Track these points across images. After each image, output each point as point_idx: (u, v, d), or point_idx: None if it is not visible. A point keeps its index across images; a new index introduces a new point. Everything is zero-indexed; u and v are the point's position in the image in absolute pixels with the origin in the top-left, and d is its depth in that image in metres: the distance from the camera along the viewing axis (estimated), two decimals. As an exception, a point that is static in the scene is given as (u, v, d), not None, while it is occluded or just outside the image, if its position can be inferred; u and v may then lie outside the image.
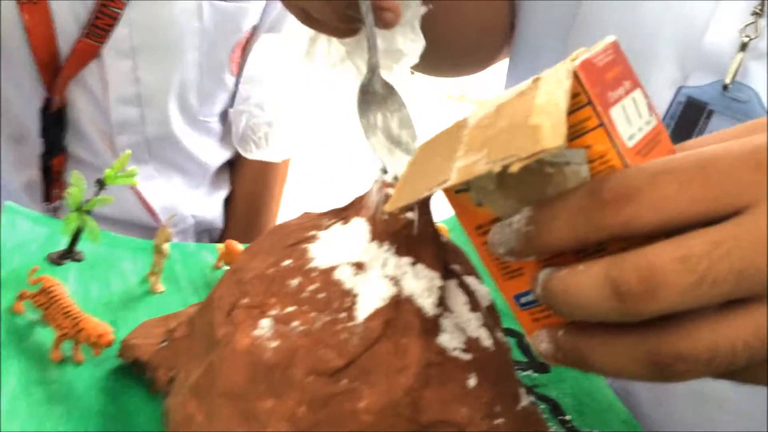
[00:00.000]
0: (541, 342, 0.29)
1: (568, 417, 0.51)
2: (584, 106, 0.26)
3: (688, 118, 0.56)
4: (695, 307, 0.24)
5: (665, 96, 0.56)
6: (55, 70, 0.81)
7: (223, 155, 0.98)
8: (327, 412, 0.33)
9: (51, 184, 0.87)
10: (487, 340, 0.38)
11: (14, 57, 0.80)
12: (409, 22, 0.45)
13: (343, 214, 0.39)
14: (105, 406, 0.43)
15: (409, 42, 0.45)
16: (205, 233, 1.00)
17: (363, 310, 0.35)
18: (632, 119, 0.27)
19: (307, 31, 0.46)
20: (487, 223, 0.30)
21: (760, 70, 0.54)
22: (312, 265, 0.36)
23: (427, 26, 0.62)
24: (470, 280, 0.41)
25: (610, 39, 0.29)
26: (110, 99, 0.83)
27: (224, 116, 0.97)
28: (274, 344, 0.34)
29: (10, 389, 0.41)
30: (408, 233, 0.37)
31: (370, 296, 0.35)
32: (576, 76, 0.26)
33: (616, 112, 0.27)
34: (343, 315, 0.34)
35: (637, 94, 0.28)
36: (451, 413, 0.35)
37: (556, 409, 0.52)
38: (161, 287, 0.56)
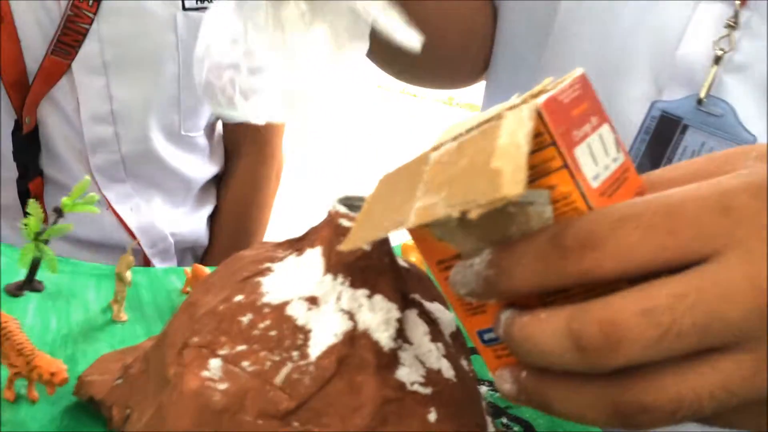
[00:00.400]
0: (504, 382, 0.28)
1: (542, 439, 0.50)
2: (548, 146, 0.25)
3: (662, 132, 0.55)
4: (659, 359, 0.24)
5: (639, 110, 0.55)
6: (24, 89, 0.78)
7: (210, 170, 0.95)
8: (278, 457, 0.31)
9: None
10: (449, 371, 0.37)
11: None
12: None
13: (297, 245, 0.38)
14: (60, 447, 0.41)
15: None
16: (188, 251, 0.97)
17: (316, 348, 0.33)
18: (598, 157, 0.26)
19: None
20: (448, 258, 0.29)
21: (735, 84, 0.53)
22: (264, 300, 0.35)
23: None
24: (433, 307, 0.40)
25: (578, 72, 0.28)
26: (83, 118, 0.80)
27: (210, 130, 0.94)
28: (223, 386, 0.32)
29: (-41, 433, 0.40)
30: (364, 264, 0.35)
31: (323, 332, 0.34)
32: (539, 115, 0.25)
33: (581, 151, 0.26)
34: (296, 353, 0.33)
35: (604, 130, 0.27)
36: (410, 452, 0.33)
37: (529, 430, 0.51)
38: (124, 316, 0.54)
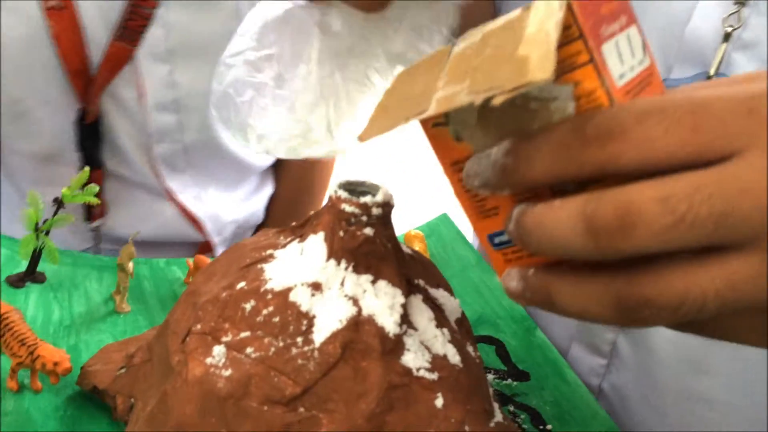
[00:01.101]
0: (511, 280, 0.28)
1: (549, 426, 0.49)
2: (575, 39, 0.25)
3: None
4: (671, 249, 0.23)
5: None
6: (87, 78, 0.75)
7: (269, 157, 0.92)
8: (284, 443, 0.31)
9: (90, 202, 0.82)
10: (455, 357, 0.36)
11: (42, 68, 0.74)
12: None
13: (299, 231, 0.38)
14: (64, 437, 0.41)
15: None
16: (248, 231, 0.96)
17: (320, 333, 0.33)
18: (625, 57, 0.26)
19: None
20: (464, 158, 0.29)
21: (744, 61, 0.52)
22: (267, 287, 0.35)
23: None
24: (438, 294, 0.40)
25: None
26: (147, 106, 0.77)
27: None
28: (227, 373, 0.32)
29: (-38, 424, 0.40)
30: (367, 250, 0.35)
31: (327, 318, 0.33)
32: (569, 7, 0.24)
33: (608, 49, 0.25)
34: (300, 339, 0.33)
35: (632, 31, 0.27)
36: (416, 437, 0.33)
37: (536, 419, 0.50)
38: (127, 307, 0.54)
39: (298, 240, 0.37)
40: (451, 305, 0.40)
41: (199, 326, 0.34)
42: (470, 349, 0.39)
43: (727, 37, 0.52)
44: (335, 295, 0.34)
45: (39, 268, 0.55)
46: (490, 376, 0.54)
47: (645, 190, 0.23)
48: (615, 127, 0.24)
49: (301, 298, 0.34)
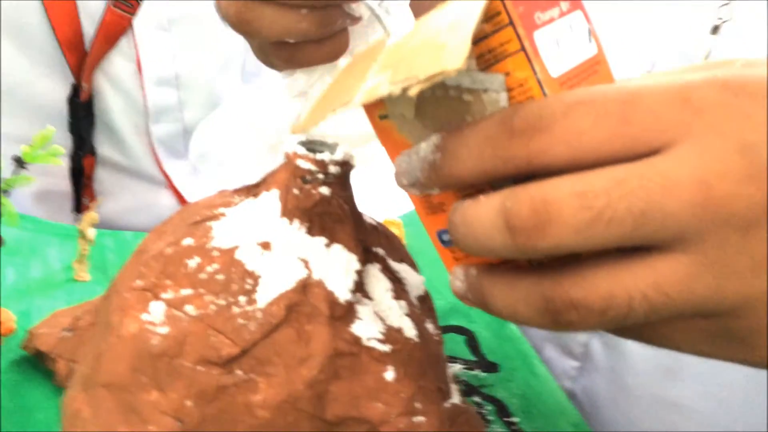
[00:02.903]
0: (455, 279, 0.27)
1: (515, 419, 0.47)
2: (504, 26, 0.23)
3: None
4: (591, 248, 0.22)
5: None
6: (80, 51, 0.69)
7: None
8: (217, 407, 0.29)
9: (81, 190, 0.74)
10: (410, 330, 0.35)
11: (34, 39, 0.68)
12: None
13: (254, 190, 0.36)
14: (2, 400, 0.39)
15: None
16: None
17: (265, 294, 0.31)
18: (564, 45, 0.25)
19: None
20: None
21: (732, 55, 0.51)
22: (213, 244, 0.33)
23: None
24: (400, 267, 0.38)
25: None
26: (145, 81, 0.71)
27: None
28: (162, 330, 0.30)
29: None
30: (322, 210, 0.33)
31: (274, 279, 0.32)
32: None
33: (542, 36, 0.24)
34: (243, 299, 0.31)
35: (575, 16, 0.25)
36: (362, 409, 0.31)
37: (502, 411, 0.48)
38: (86, 276, 0.52)
39: (252, 198, 0.35)
40: (414, 281, 0.38)
41: (140, 282, 0.33)
42: (430, 326, 0.38)
43: (715, 29, 0.51)
44: (285, 256, 0.32)
45: (-2, 233, 0.53)
46: (457, 366, 0.52)
47: (562, 185, 0.22)
48: (541, 119, 0.22)
49: (247, 256, 0.32)
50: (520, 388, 0.50)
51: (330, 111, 0.26)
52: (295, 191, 0.33)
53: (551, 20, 0.24)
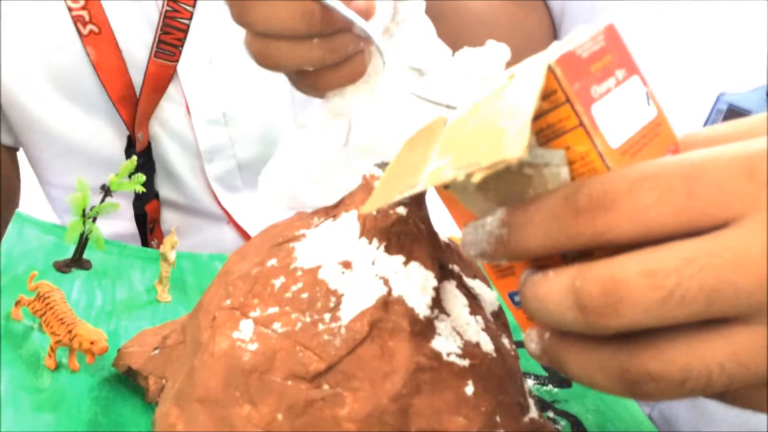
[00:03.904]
0: (530, 342, 0.27)
1: (590, 434, 0.47)
2: (562, 104, 0.24)
3: None
4: (663, 324, 0.22)
5: (704, 103, 0.53)
6: (133, 103, 0.71)
7: None
8: (306, 420, 0.30)
9: (147, 234, 0.77)
10: (488, 345, 0.35)
11: (89, 97, 0.70)
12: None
13: (333, 212, 0.37)
14: (96, 415, 0.41)
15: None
16: None
17: (348, 311, 0.32)
18: (623, 113, 0.25)
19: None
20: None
21: None
22: (297, 264, 0.34)
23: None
24: (474, 283, 0.39)
25: (605, 24, 0.26)
26: (195, 123, 0.73)
27: None
28: (253, 347, 0.32)
29: (-1, 397, 0.40)
30: (399, 230, 0.34)
31: (356, 296, 0.33)
32: (553, 72, 0.24)
33: (600, 109, 0.24)
34: (327, 316, 0.32)
35: (632, 83, 0.26)
36: (444, 423, 0.32)
37: (577, 426, 0.48)
38: (168, 297, 0.55)
39: (331, 219, 0.37)
40: (488, 296, 0.39)
41: (228, 302, 0.34)
42: (506, 341, 0.38)
43: None
44: (365, 275, 0.33)
45: (86, 257, 0.56)
46: (530, 381, 0.52)
47: (631, 264, 0.22)
48: (606, 196, 0.23)
49: (330, 275, 0.33)
50: (594, 403, 0.50)
51: (397, 193, 0.27)
52: (374, 212, 0.34)
53: (608, 91, 0.25)
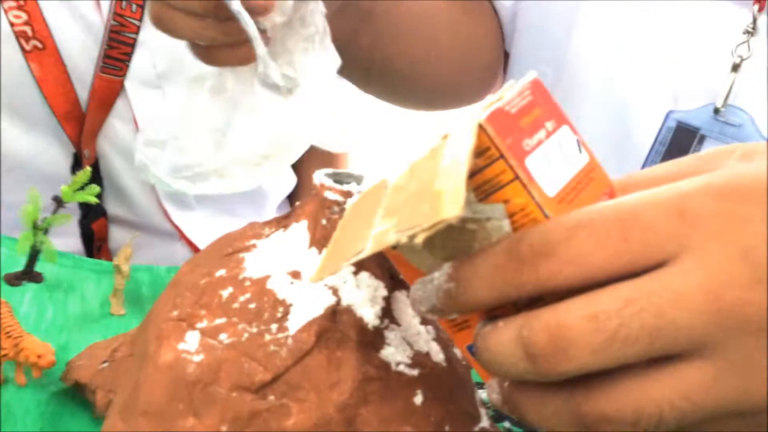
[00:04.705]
0: (492, 392, 0.28)
1: (546, 444, 0.47)
2: (496, 160, 0.25)
3: (679, 143, 0.54)
4: (611, 366, 0.23)
5: (654, 121, 0.54)
6: (79, 120, 0.70)
7: (287, 186, 0.86)
8: (252, 431, 0.30)
9: (94, 253, 0.76)
10: (438, 355, 0.35)
11: (31, 113, 0.69)
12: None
13: (284, 222, 0.37)
14: (42, 430, 0.40)
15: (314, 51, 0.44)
16: None
17: (296, 321, 0.32)
18: (556, 162, 0.26)
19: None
20: None
21: (754, 92, 0.51)
22: (245, 274, 0.34)
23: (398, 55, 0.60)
24: (426, 293, 0.39)
25: (529, 77, 0.27)
26: (143, 139, 0.69)
27: None
28: (198, 358, 0.31)
29: (-59, 413, 0.39)
30: (349, 240, 0.34)
31: (304, 306, 0.33)
32: (483, 129, 0.24)
33: (534, 160, 0.25)
34: (274, 326, 0.32)
35: (562, 133, 0.27)
36: (392, 433, 0.32)
37: (533, 436, 0.48)
38: (122, 310, 0.54)
39: (282, 230, 0.36)
40: (440, 307, 0.39)
41: (175, 313, 0.34)
42: (457, 351, 0.38)
43: (735, 67, 0.51)
44: (314, 285, 0.33)
45: (38, 270, 0.55)
46: (483, 393, 0.52)
47: (574, 309, 0.23)
48: (546, 245, 0.23)
49: (278, 285, 0.33)
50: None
51: (344, 261, 0.27)
52: (323, 222, 0.34)
53: (539, 143, 0.25)
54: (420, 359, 0.34)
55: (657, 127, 0.54)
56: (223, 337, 0.32)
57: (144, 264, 0.71)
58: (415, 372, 0.34)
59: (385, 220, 0.26)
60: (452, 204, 0.22)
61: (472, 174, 0.25)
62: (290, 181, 0.89)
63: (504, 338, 0.24)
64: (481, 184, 0.25)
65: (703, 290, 0.22)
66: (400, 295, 0.36)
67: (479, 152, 0.25)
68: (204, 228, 0.79)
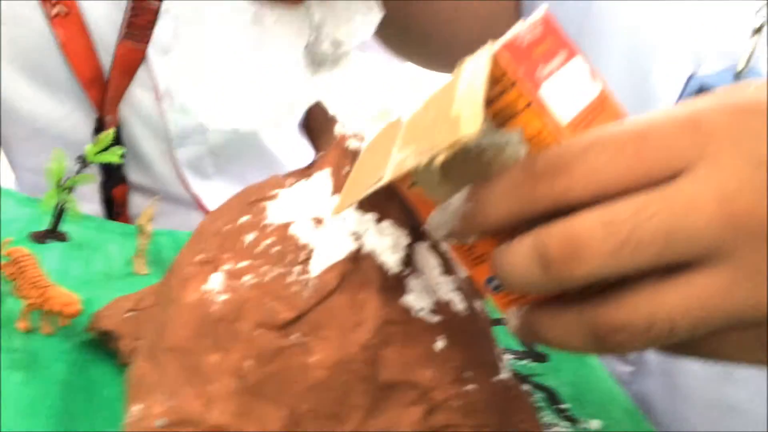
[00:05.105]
0: (510, 321, 0.29)
1: (565, 405, 0.48)
2: (511, 87, 0.26)
3: None
4: (623, 272, 0.23)
5: (676, 85, 0.53)
6: (101, 86, 0.71)
7: (312, 152, 0.85)
8: (275, 367, 0.30)
9: (115, 218, 0.77)
10: (460, 304, 0.35)
11: (54, 81, 0.70)
12: None
13: (307, 172, 0.37)
14: (69, 376, 0.41)
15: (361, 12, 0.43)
16: None
17: (318, 265, 0.32)
18: (568, 91, 0.27)
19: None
20: None
21: None
22: (268, 221, 0.34)
23: (425, 15, 0.60)
24: (448, 247, 0.39)
25: (539, 13, 0.28)
26: (164, 107, 0.72)
27: None
28: (222, 298, 0.32)
29: (-32, 357, 0.40)
30: (372, 187, 0.34)
31: (327, 251, 0.33)
32: (497, 59, 0.25)
33: (547, 89, 0.26)
34: (297, 269, 0.32)
35: (575, 62, 0.27)
36: (413, 374, 0.32)
37: (552, 398, 0.49)
38: (145, 269, 0.54)
39: (305, 179, 0.37)
40: (461, 261, 0.39)
41: (199, 257, 0.34)
42: (478, 303, 0.38)
43: (757, 30, 0.51)
44: (337, 230, 0.34)
45: (63, 231, 0.56)
46: (507, 356, 0.53)
47: (588, 217, 0.23)
48: (561, 162, 0.24)
49: (301, 231, 0.34)
50: (570, 376, 0.51)
51: (364, 190, 0.28)
52: (346, 169, 0.34)
53: (552, 72, 0.26)
54: (441, 307, 0.34)
55: (678, 90, 0.53)
56: (247, 278, 0.32)
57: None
58: (436, 319, 0.34)
59: (403, 150, 0.26)
60: (470, 124, 0.23)
61: (489, 103, 0.26)
62: (308, 154, 0.90)
63: (520, 249, 0.24)
64: (497, 112, 0.26)
65: (716, 197, 0.22)
66: (421, 246, 0.37)
67: (494, 80, 0.25)
68: (221, 197, 0.79)
